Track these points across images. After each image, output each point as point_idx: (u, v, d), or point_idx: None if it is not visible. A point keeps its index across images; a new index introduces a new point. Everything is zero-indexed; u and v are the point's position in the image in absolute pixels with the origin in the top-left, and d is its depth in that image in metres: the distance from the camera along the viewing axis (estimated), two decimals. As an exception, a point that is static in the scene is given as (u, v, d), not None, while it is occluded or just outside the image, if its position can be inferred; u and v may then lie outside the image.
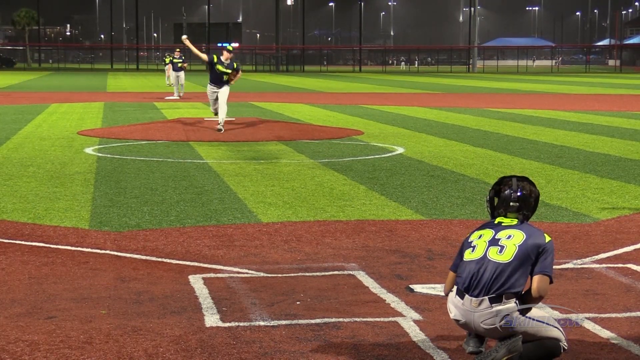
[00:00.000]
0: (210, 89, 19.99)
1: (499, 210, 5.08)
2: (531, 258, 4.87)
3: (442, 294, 6.62)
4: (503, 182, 5.11)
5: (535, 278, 4.85)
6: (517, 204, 5.02)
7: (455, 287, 5.00)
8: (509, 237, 4.92)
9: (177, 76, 35.29)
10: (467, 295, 4.90)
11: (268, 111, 27.51)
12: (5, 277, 7.07)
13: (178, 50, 37.27)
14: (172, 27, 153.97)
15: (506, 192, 5.06)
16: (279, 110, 28.33)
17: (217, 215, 9.91)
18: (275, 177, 12.91)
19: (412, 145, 17.61)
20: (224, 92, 19.62)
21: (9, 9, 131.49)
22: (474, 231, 5.10)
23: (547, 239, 4.93)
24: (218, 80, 19.66)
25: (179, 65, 34.97)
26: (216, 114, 20.01)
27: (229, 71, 19.63)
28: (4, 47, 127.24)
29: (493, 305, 4.85)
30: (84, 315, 6.04)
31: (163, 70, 52.05)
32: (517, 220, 5.01)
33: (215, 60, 19.60)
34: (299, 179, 12.74)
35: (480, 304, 4.86)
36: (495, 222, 5.05)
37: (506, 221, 5.02)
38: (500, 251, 4.88)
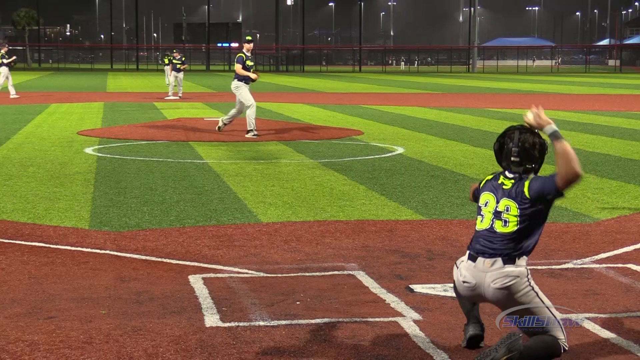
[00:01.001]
0: (244, 87, 19.08)
1: (503, 163, 5.16)
2: (536, 206, 4.97)
3: (442, 293, 6.63)
4: (506, 135, 5.14)
5: (546, 181, 4.93)
6: (518, 158, 5.07)
7: (466, 254, 5.12)
8: (507, 209, 5.01)
9: (176, 77, 35.37)
10: (479, 258, 5.01)
11: (268, 111, 27.49)
12: (5, 277, 7.07)
13: (175, 51, 37.38)
14: (172, 27, 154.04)
15: (508, 145, 5.11)
16: (279, 110, 28.31)
17: (217, 215, 9.91)
18: (275, 177, 12.91)
19: (412, 145, 17.61)
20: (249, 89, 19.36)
21: (9, 9, 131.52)
22: (484, 186, 5.17)
23: (528, 180, 5.03)
24: (249, 77, 19.02)
25: (178, 66, 35.05)
26: (232, 116, 19.55)
27: (253, 64, 19.28)
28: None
29: (506, 265, 4.96)
30: (84, 315, 6.04)
31: (163, 71, 52.06)
32: (513, 180, 5.06)
33: (245, 57, 19.11)
34: (299, 179, 12.74)
35: (493, 264, 4.98)
36: (499, 181, 5.11)
37: (506, 183, 5.08)
38: (505, 224, 5.01)
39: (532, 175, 5.07)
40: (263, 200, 10.94)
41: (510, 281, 4.95)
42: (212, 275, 7.18)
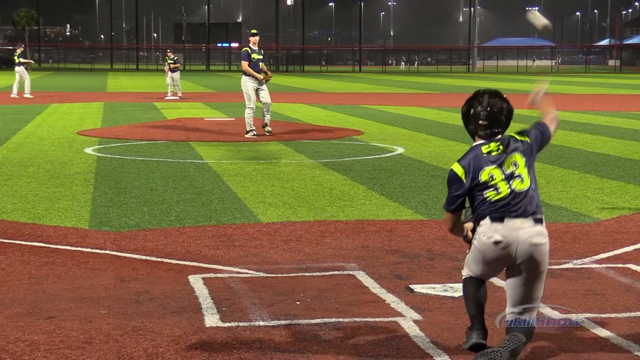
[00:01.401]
0: (250, 82, 18.93)
1: (470, 127, 5.22)
2: (534, 154, 5.20)
3: (442, 293, 6.63)
4: (475, 98, 5.20)
5: (544, 128, 5.32)
6: (486, 122, 5.14)
7: (484, 219, 5.10)
8: (515, 164, 5.11)
9: (172, 77, 35.27)
10: (508, 217, 5.05)
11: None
12: (5, 277, 7.07)
13: (169, 50, 37.32)
14: (172, 27, 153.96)
15: (477, 109, 5.17)
16: (279, 110, 28.30)
17: (217, 215, 9.91)
18: (275, 177, 12.91)
19: (412, 145, 17.61)
20: (266, 88, 19.14)
21: (9, 9, 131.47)
22: (470, 168, 5.12)
23: (515, 133, 5.21)
24: (256, 70, 18.78)
25: (172, 66, 34.98)
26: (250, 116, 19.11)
27: (262, 57, 18.97)
28: (4, 47, 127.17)
29: (536, 224, 5.06)
30: (84, 315, 6.04)
31: (163, 71, 52.09)
32: (502, 145, 5.13)
33: (250, 51, 18.91)
34: (299, 179, 12.74)
35: (524, 222, 5.04)
36: (484, 154, 5.13)
37: (493, 148, 5.13)
38: (522, 181, 5.09)
39: (514, 132, 5.24)
40: (263, 200, 10.94)
41: (543, 240, 5.06)
42: (212, 275, 7.18)
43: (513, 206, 5.05)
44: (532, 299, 5.13)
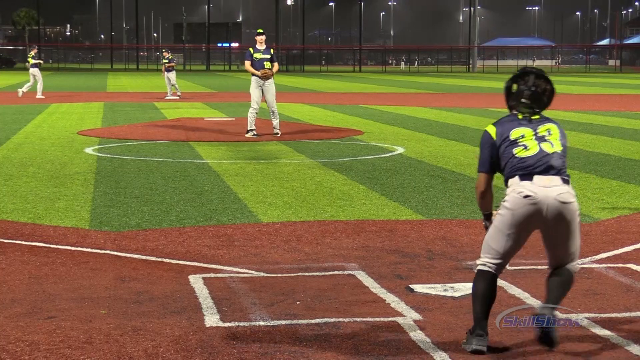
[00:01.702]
0: (254, 82, 18.69)
1: (512, 103, 5.39)
2: (565, 140, 5.42)
3: (442, 293, 6.63)
4: (521, 77, 5.39)
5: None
6: (529, 101, 5.32)
7: (513, 178, 5.21)
8: (549, 132, 5.28)
9: (168, 77, 35.14)
10: (538, 175, 5.17)
11: (268, 111, 27.49)
12: (5, 277, 7.07)
13: (164, 50, 37.24)
14: (172, 27, 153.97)
15: (521, 87, 5.36)
16: (279, 110, 28.26)
17: (217, 215, 9.91)
18: (275, 177, 12.91)
19: (412, 145, 17.61)
20: (272, 88, 18.77)
21: (9, 9, 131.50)
22: (501, 128, 5.31)
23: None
24: (261, 70, 18.53)
25: (166, 65, 34.87)
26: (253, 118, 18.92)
27: (268, 56, 18.65)
28: (4, 47, 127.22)
29: (564, 184, 5.19)
30: (84, 315, 6.04)
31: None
32: (537, 115, 5.33)
33: (252, 51, 18.72)
34: (299, 179, 12.74)
35: (552, 181, 5.15)
36: (520, 117, 5.33)
37: (534, 116, 5.33)
38: (552, 145, 5.23)
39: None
40: (263, 200, 10.94)
41: (571, 198, 5.17)
42: (212, 275, 7.18)
43: (541, 165, 5.17)
44: (570, 255, 5.32)
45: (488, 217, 5.44)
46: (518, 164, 5.20)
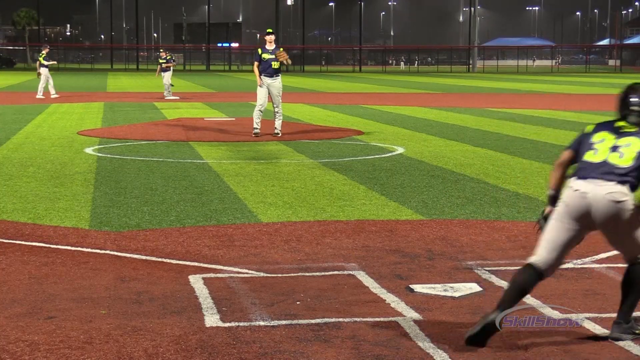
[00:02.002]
0: (260, 81, 18.71)
1: (623, 112, 5.49)
2: None
3: (442, 293, 6.63)
4: (633, 89, 5.53)
5: None
6: (638, 109, 5.42)
7: (573, 177, 5.37)
8: (628, 144, 5.32)
9: (164, 77, 34.99)
10: (593, 179, 5.29)
11: (268, 111, 27.51)
12: (5, 277, 7.07)
13: (161, 50, 37.11)
14: (172, 27, 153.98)
15: (632, 99, 5.47)
16: (279, 110, 28.32)
17: (217, 215, 9.91)
18: (275, 177, 12.91)
19: (412, 145, 17.61)
20: (277, 87, 18.78)
21: (9, 9, 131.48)
22: (597, 128, 5.49)
23: None
24: (268, 70, 18.57)
25: (163, 65, 34.69)
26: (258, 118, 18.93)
27: (274, 56, 18.59)
28: (4, 47, 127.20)
29: (618, 184, 5.24)
30: (84, 315, 6.04)
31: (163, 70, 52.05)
32: (637, 127, 5.38)
33: (261, 52, 18.67)
34: (299, 179, 12.74)
35: (606, 183, 5.24)
36: (616, 125, 5.44)
37: (629, 127, 5.40)
38: (621, 156, 5.30)
39: None
40: (263, 200, 10.94)
41: (622, 197, 5.22)
42: (212, 275, 7.18)
43: (600, 173, 5.27)
44: (638, 249, 5.39)
45: (551, 201, 5.58)
46: (581, 166, 5.39)
